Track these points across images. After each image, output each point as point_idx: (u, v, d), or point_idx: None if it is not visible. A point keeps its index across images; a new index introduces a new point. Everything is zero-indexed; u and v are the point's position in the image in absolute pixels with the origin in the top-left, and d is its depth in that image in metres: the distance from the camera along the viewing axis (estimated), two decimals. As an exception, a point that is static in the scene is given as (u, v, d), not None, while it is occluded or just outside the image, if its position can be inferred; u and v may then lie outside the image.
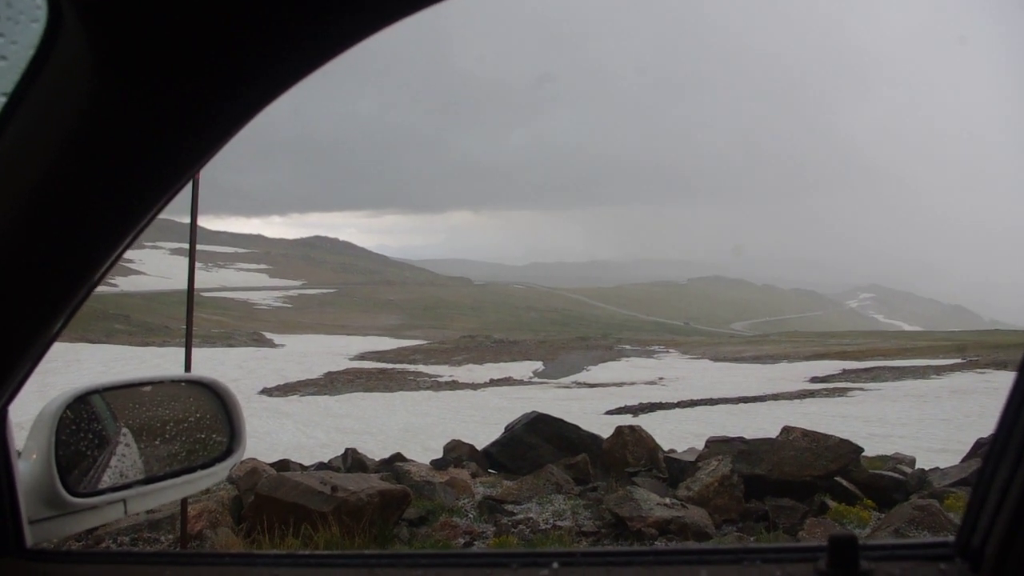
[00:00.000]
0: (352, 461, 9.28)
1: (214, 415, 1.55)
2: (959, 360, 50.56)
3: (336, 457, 10.73)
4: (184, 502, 4.56)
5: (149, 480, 1.37)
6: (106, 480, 1.33)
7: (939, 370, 45.38)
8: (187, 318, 4.63)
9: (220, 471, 1.50)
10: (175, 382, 1.64)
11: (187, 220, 5.43)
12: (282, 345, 71.38)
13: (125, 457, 1.39)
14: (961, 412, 27.94)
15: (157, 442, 1.47)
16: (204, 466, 1.47)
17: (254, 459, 8.30)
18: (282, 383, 43.24)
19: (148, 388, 1.57)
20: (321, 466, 9.56)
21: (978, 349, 59.69)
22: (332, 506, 5.31)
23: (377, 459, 10.36)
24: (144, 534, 5.53)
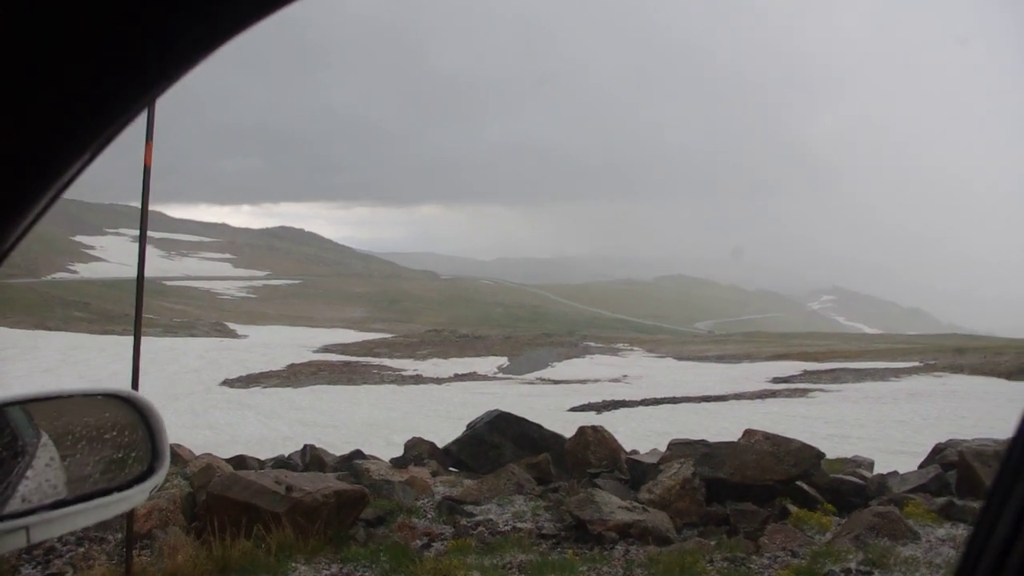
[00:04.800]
0: (311, 458, 9.12)
1: (133, 432, 1.40)
2: (917, 363, 51.39)
3: (296, 452, 10.57)
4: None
5: (57, 505, 1.22)
6: (8, 505, 1.18)
7: (897, 372, 46.10)
8: (136, 311, 4.47)
9: (138, 494, 1.35)
10: (88, 396, 1.48)
11: (148, 207, 5.25)
12: (245, 336, 70.74)
13: (29, 480, 1.23)
14: (918, 415, 28.39)
15: (67, 463, 1.31)
16: (121, 488, 1.32)
17: (209, 454, 8.13)
18: (244, 374, 42.80)
19: (56, 402, 1.40)
20: (279, 462, 9.38)
21: (935, 353, 60.74)
22: (286, 507, 5.17)
23: (339, 453, 10.21)
24: (91, 533, 5.34)
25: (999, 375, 43.27)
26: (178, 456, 8.40)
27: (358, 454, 9.31)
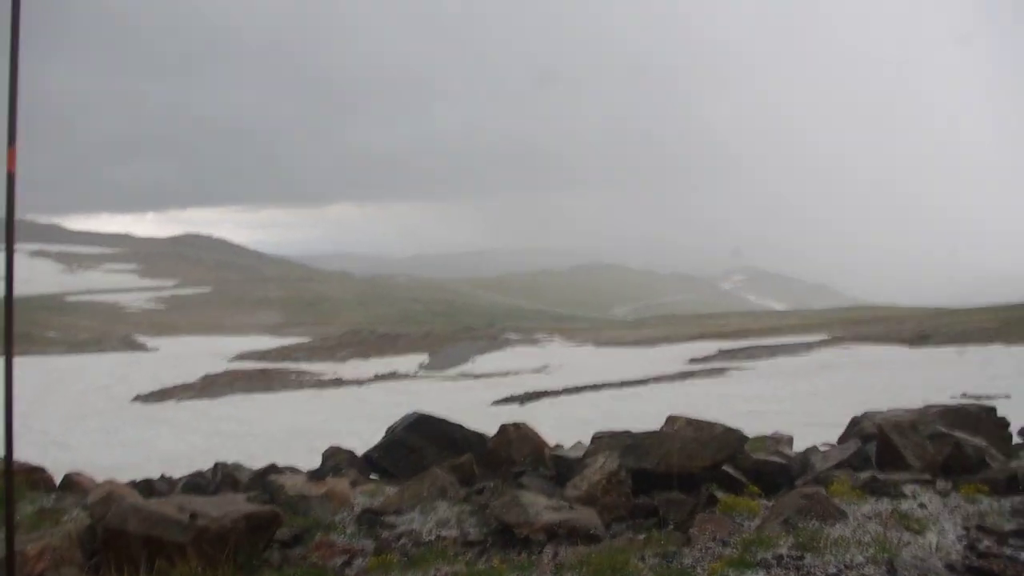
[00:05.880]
0: (222, 476, 8.69)
1: None
2: (825, 336, 53.17)
3: (211, 468, 10.11)
4: (11, 539, 3.98)
5: None
6: None
7: (808, 346, 47.60)
8: (6, 331, 4.05)
9: None
10: None
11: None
12: (156, 348, 68.77)
13: None
14: (829, 385, 29.35)
15: None
16: None
17: (111, 481, 7.64)
18: (157, 388, 41.66)
19: None
20: (190, 483, 8.91)
21: (843, 325, 62.99)
22: (191, 536, 4.81)
23: (261, 464, 9.82)
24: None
25: (901, 342, 45.14)
26: (77, 485, 7.88)
27: (272, 469, 8.92)
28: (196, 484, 9.11)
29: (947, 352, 38.73)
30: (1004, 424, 9.03)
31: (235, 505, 5.27)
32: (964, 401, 17.79)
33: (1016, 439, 9.46)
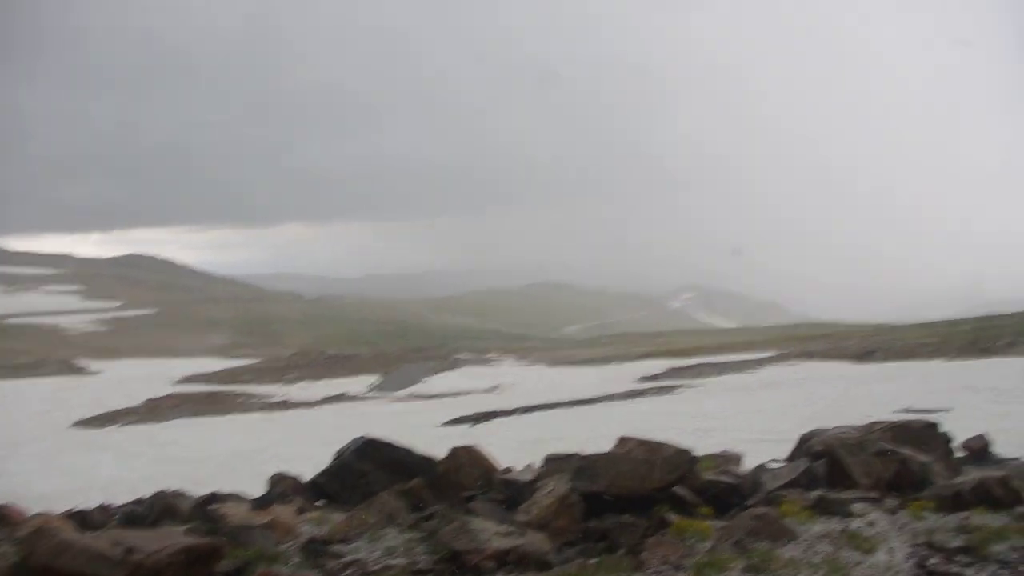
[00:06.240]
0: (162, 507, 8.40)
1: None
2: (772, 353, 53.97)
3: (150, 497, 9.78)
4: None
5: None
6: None
7: (756, 364, 48.22)
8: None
9: None
10: None
11: None
12: (98, 372, 67.15)
13: None
14: (775, 403, 29.70)
15: None
16: None
17: (43, 514, 7.34)
18: (99, 413, 40.68)
19: None
20: (128, 515, 8.61)
21: (789, 342, 64.03)
22: (126, 572, 4.59)
23: (207, 489, 9.55)
24: None
25: (846, 359, 45.98)
26: (6, 518, 7.55)
27: (214, 497, 8.66)
28: (134, 514, 8.81)
29: (891, 368, 39.55)
30: (948, 439, 9.18)
31: (173, 538, 5.07)
32: (908, 416, 18.13)
33: (959, 452, 9.63)
